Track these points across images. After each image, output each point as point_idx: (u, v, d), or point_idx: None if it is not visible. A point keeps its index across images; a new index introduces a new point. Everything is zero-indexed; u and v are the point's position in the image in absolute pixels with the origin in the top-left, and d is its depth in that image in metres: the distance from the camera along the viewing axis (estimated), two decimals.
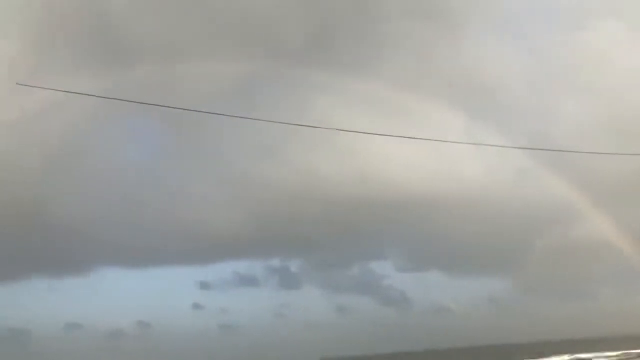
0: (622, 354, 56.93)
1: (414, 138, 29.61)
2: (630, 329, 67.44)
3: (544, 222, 72.52)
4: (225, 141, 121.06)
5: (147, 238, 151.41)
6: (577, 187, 52.92)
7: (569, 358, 68.26)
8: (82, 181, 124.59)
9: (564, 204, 60.66)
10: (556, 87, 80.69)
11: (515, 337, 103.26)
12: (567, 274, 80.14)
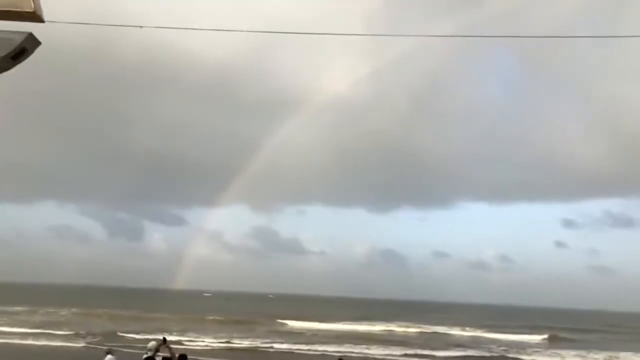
0: None
1: None
2: None
3: None
4: (586, 66, 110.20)
5: (509, 173, 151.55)
6: None
7: None
8: (444, 119, 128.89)
9: None
10: None
11: None
12: None
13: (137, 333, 45.74)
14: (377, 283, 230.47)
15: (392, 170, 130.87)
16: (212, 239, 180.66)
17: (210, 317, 65.60)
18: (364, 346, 44.20)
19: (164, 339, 20.68)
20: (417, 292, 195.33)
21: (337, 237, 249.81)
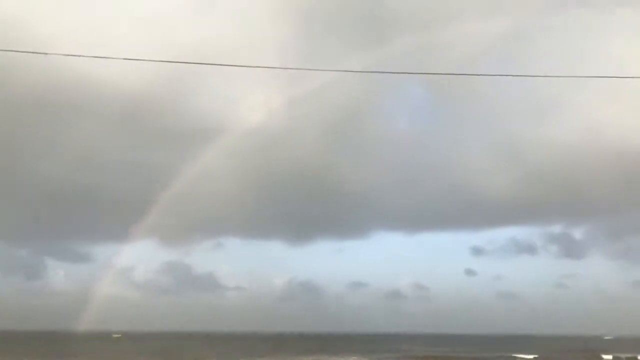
0: None
1: None
2: None
3: None
4: (495, 102, 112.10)
5: (421, 203, 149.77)
6: None
7: None
8: (359, 151, 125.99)
9: None
10: None
11: None
12: None
13: None
14: (295, 316, 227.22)
15: (309, 202, 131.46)
16: (122, 276, 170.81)
17: None
18: None
19: None
20: (335, 323, 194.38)
21: (253, 271, 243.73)
